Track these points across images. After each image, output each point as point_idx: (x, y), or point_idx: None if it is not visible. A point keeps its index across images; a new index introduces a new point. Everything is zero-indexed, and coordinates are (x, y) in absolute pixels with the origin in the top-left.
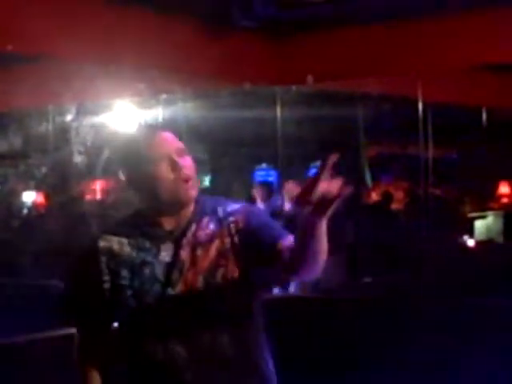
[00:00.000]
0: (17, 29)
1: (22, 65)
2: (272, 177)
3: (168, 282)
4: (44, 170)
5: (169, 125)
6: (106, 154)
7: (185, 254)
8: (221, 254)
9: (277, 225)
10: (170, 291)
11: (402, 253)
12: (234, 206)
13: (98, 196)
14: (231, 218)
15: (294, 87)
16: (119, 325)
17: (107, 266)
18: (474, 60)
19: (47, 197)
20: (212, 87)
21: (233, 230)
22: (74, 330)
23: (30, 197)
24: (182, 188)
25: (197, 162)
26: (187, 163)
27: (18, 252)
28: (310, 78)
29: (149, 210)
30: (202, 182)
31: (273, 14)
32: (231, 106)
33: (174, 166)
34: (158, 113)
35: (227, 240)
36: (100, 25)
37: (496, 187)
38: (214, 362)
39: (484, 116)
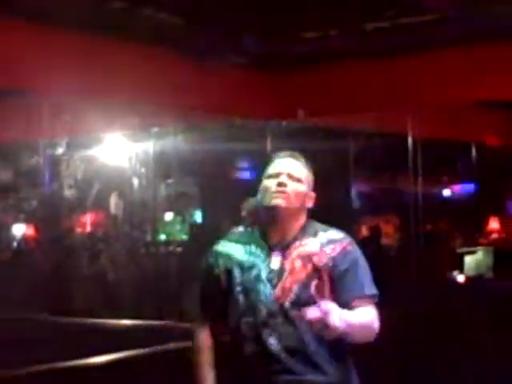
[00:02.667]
0: (7, 64)
1: (13, 99)
2: None
3: (270, 284)
4: (34, 203)
5: (160, 159)
6: (96, 187)
7: (287, 264)
8: (316, 269)
9: (359, 279)
10: (271, 292)
11: (390, 287)
12: (336, 235)
13: (89, 229)
14: (331, 245)
15: (284, 122)
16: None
17: (224, 266)
18: (463, 97)
19: (37, 230)
20: (204, 122)
21: (330, 255)
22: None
23: (20, 230)
24: (272, 196)
25: (188, 196)
26: (291, 185)
27: (7, 285)
28: (300, 113)
29: (262, 222)
30: (192, 216)
31: (264, 50)
32: (222, 140)
33: (278, 181)
34: (149, 146)
35: (324, 260)
36: (92, 59)
37: (486, 223)
38: (299, 356)
39: (473, 151)
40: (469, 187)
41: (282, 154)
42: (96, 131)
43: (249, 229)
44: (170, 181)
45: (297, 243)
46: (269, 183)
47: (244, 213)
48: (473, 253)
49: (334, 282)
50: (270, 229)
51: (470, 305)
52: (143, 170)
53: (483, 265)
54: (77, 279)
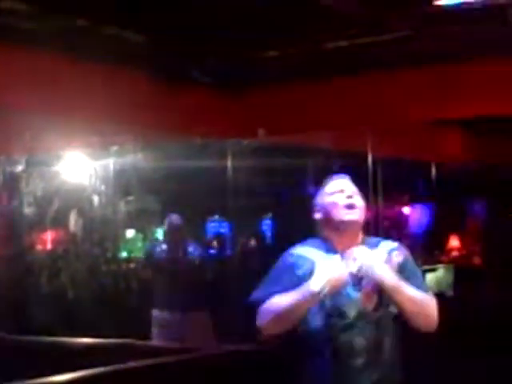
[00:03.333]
0: None
1: None
2: (224, 228)
3: (354, 288)
4: None
5: (120, 176)
6: (56, 204)
7: (363, 271)
8: None
9: (419, 279)
10: (357, 295)
11: None
12: (394, 244)
13: (49, 246)
14: (396, 252)
15: (245, 141)
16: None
17: (308, 268)
18: (423, 116)
19: None
20: (164, 140)
21: (397, 261)
22: None
23: None
24: (344, 211)
25: (149, 213)
26: (357, 200)
27: None
28: (261, 132)
29: (328, 234)
30: (154, 234)
31: (225, 69)
32: (183, 158)
33: (347, 195)
34: (109, 164)
35: (394, 266)
36: (52, 76)
37: (446, 240)
38: (379, 353)
39: (433, 170)
40: (429, 205)
41: (335, 175)
42: (56, 149)
43: (319, 240)
44: (130, 198)
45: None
46: (335, 198)
47: (166, 228)
48: (433, 270)
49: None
50: (335, 240)
51: None
52: (103, 187)
53: (444, 282)
54: (36, 297)
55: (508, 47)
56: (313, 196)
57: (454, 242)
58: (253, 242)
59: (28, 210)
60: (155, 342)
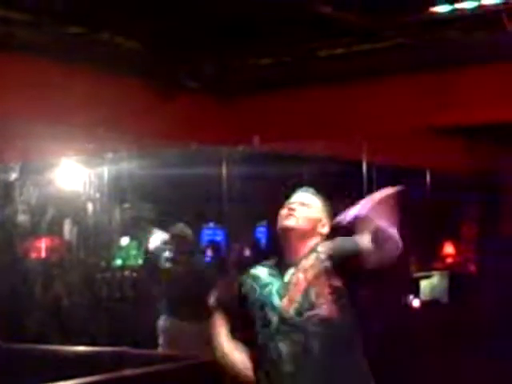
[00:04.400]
0: None
1: None
2: (220, 236)
3: (279, 296)
4: None
5: (115, 184)
6: (50, 212)
7: (293, 277)
8: (316, 277)
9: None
10: (279, 303)
11: None
12: (327, 243)
13: (44, 254)
14: (322, 249)
15: (240, 148)
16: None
17: (250, 285)
18: (418, 123)
19: None
20: (159, 147)
21: (324, 258)
22: None
23: None
24: (283, 218)
25: (143, 221)
26: (301, 210)
27: None
28: (256, 139)
29: (279, 251)
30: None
31: (220, 76)
32: (177, 165)
33: (289, 207)
34: (104, 171)
35: (321, 267)
36: (47, 83)
37: (441, 247)
38: (306, 359)
39: (428, 177)
40: (424, 212)
41: (300, 189)
42: (51, 156)
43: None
44: (125, 205)
45: (303, 261)
46: (283, 211)
47: (170, 236)
48: (428, 277)
49: (335, 262)
50: (285, 250)
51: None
52: (98, 195)
53: (438, 289)
54: (31, 305)
55: (505, 53)
56: None
57: (449, 248)
58: (247, 250)
59: (22, 218)
60: (160, 349)
